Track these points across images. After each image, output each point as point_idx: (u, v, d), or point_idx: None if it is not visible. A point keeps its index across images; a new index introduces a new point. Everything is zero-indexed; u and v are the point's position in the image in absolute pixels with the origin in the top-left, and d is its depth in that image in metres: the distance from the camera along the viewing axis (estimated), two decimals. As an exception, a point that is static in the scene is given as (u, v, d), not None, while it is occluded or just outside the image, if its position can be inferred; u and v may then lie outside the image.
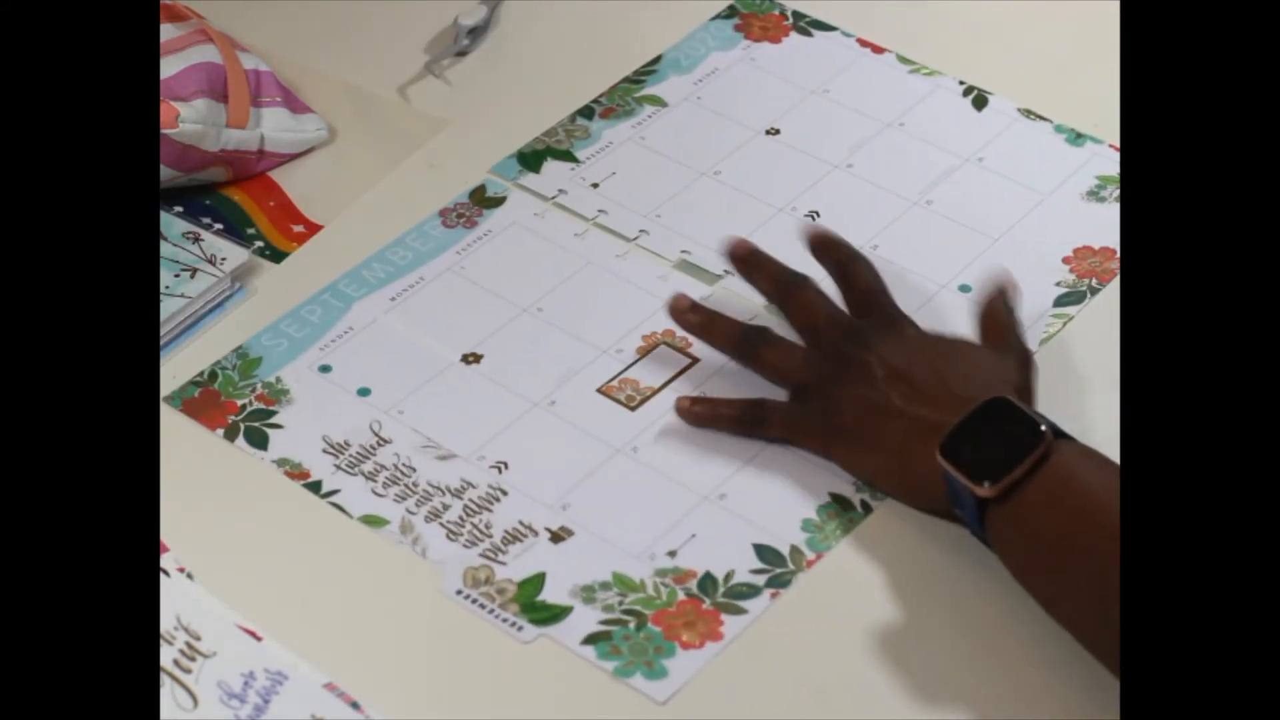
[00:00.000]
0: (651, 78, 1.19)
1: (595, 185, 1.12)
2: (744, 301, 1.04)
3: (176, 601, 0.89)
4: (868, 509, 0.95)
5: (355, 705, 0.86)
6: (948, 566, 0.92)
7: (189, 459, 0.97)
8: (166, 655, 0.86)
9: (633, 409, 1.00)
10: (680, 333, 1.02)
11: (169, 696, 0.85)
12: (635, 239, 1.09)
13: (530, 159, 1.14)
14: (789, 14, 1.23)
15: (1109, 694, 0.85)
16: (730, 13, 1.23)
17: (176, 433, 0.98)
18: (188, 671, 0.86)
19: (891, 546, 0.93)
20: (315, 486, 0.97)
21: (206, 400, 1.01)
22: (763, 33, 1.22)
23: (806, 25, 1.22)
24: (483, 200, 1.11)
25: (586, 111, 1.17)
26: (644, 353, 1.03)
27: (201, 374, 1.02)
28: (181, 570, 0.91)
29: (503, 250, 1.09)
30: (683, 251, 1.08)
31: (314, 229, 1.10)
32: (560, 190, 1.12)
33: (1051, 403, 0.96)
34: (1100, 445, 0.91)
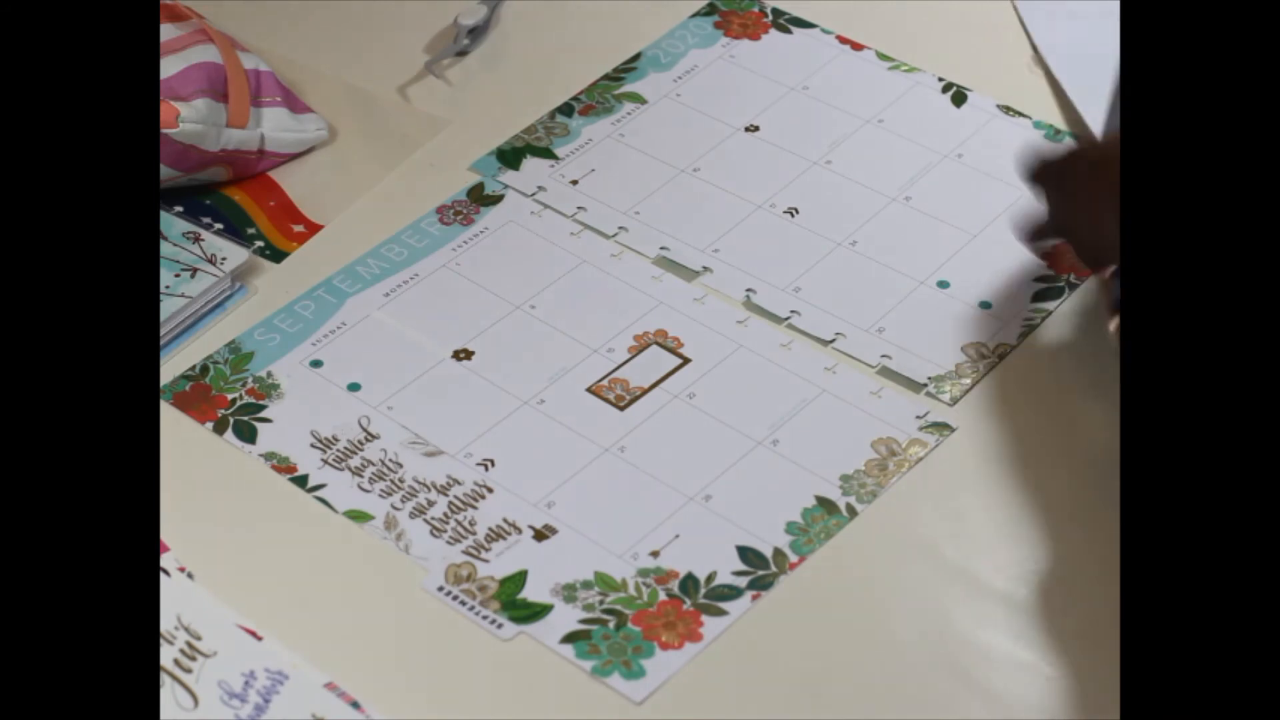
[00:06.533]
0: (631, 75, 1.07)
1: (574, 182, 1.00)
2: (723, 298, 0.93)
3: (177, 601, 0.80)
4: (853, 512, 0.84)
5: (355, 705, 0.77)
6: (931, 570, 0.81)
7: (178, 452, 0.87)
8: (167, 655, 0.78)
9: (622, 409, 0.88)
10: (672, 332, 0.92)
11: (169, 696, 0.77)
12: (614, 235, 0.97)
13: (510, 156, 1.02)
14: (768, 11, 1.10)
15: (1104, 695, 0.76)
16: (710, 10, 1.11)
17: (166, 426, 0.87)
18: (188, 671, 0.78)
19: (875, 549, 0.83)
20: (302, 480, 0.86)
21: (197, 394, 0.90)
22: (742, 30, 1.10)
23: (786, 22, 1.10)
24: (481, 198, 0.99)
25: (566, 109, 1.05)
26: (635, 352, 0.91)
27: (193, 368, 0.91)
28: (182, 570, 0.82)
29: (498, 248, 0.97)
30: (662, 248, 0.96)
31: (314, 229, 0.98)
32: (540, 187, 1.00)
33: (1033, 394, 0.88)
34: (1083, 436, 0.86)
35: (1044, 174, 0.88)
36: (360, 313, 0.93)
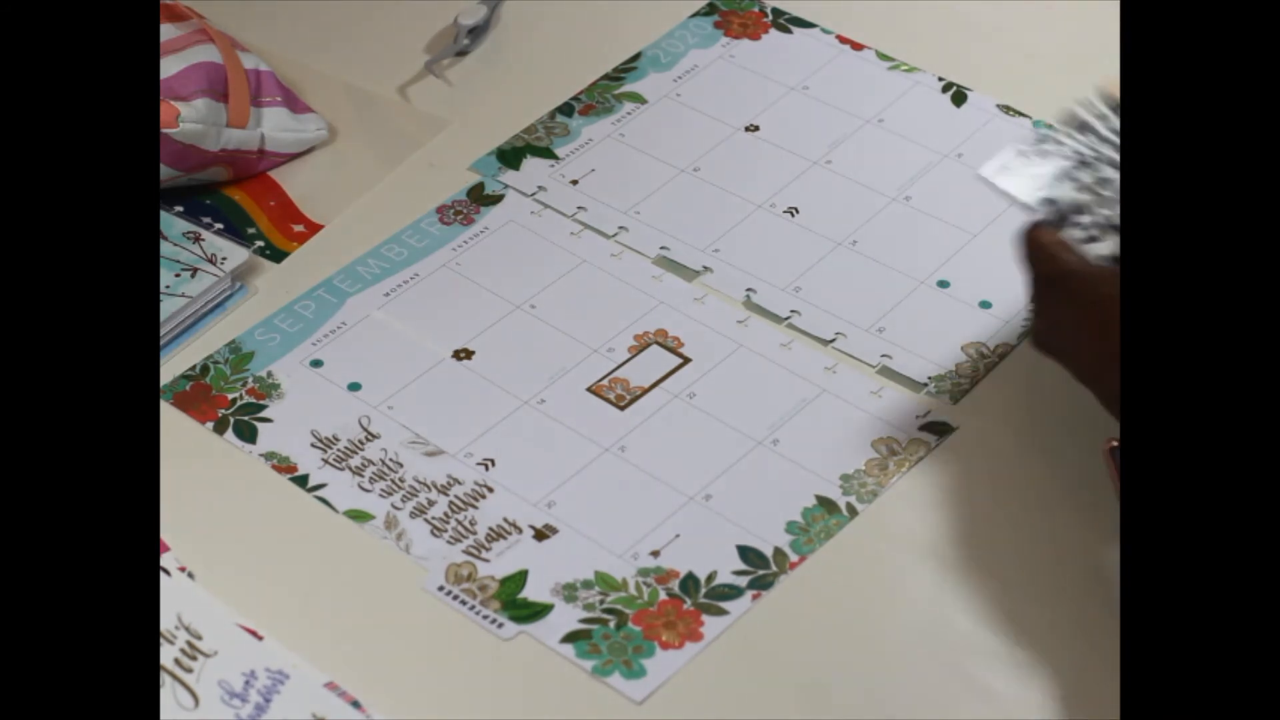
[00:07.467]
0: (631, 75, 1.06)
1: (574, 182, 0.99)
2: (723, 298, 0.93)
3: (177, 601, 0.79)
4: (853, 512, 0.83)
5: (356, 704, 0.76)
6: (931, 570, 0.81)
7: (178, 452, 0.86)
8: (167, 655, 0.78)
9: (622, 408, 0.88)
10: (673, 332, 0.91)
11: (170, 696, 0.76)
12: (614, 235, 0.96)
13: (510, 156, 1.01)
14: (768, 11, 1.10)
15: (1104, 695, 0.75)
16: (710, 10, 1.10)
17: (166, 426, 0.87)
18: (189, 671, 0.77)
19: (875, 549, 0.82)
20: (302, 480, 0.85)
21: (197, 394, 0.89)
22: (742, 30, 1.09)
23: (786, 22, 1.09)
24: (481, 198, 0.99)
25: (566, 109, 1.04)
26: (635, 352, 0.90)
27: (193, 368, 0.90)
28: (182, 570, 0.81)
29: (498, 247, 0.96)
30: (662, 248, 0.95)
31: (314, 228, 0.98)
32: (540, 187, 0.99)
33: (1033, 394, 0.87)
34: (1080, 432, 0.84)
35: (1039, 286, 0.81)
36: (360, 313, 0.93)
